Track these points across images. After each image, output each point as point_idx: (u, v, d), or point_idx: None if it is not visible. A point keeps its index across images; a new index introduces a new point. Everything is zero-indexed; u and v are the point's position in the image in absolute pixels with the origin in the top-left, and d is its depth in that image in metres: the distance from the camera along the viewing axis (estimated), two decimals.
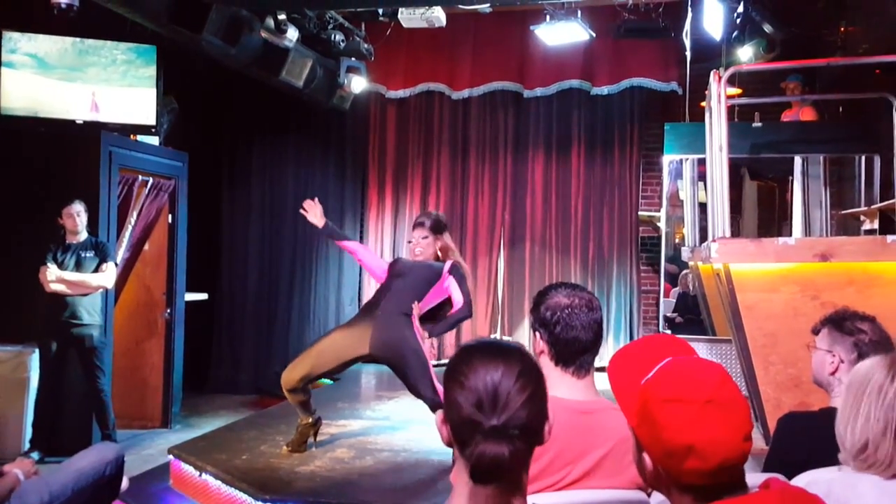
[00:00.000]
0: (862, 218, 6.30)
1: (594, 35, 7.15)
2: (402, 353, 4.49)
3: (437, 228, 4.80)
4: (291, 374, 4.52)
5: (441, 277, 4.71)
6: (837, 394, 2.46)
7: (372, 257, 5.24)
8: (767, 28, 6.73)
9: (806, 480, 1.92)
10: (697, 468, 1.32)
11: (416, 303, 4.60)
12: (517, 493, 1.32)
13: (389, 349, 4.52)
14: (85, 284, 5.70)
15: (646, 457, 1.40)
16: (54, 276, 5.61)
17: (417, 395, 4.52)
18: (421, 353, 4.53)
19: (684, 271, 7.92)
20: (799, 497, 1.39)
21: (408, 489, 4.15)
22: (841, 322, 2.56)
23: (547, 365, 2.18)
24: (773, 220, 8.43)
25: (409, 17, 6.68)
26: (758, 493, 1.37)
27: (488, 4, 5.99)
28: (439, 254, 4.81)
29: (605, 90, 8.30)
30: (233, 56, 6.14)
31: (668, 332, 7.65)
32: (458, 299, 4.73)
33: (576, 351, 2.16)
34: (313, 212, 4.77)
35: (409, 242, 4.84)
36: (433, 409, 4.29)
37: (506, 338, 8.50)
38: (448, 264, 4.77)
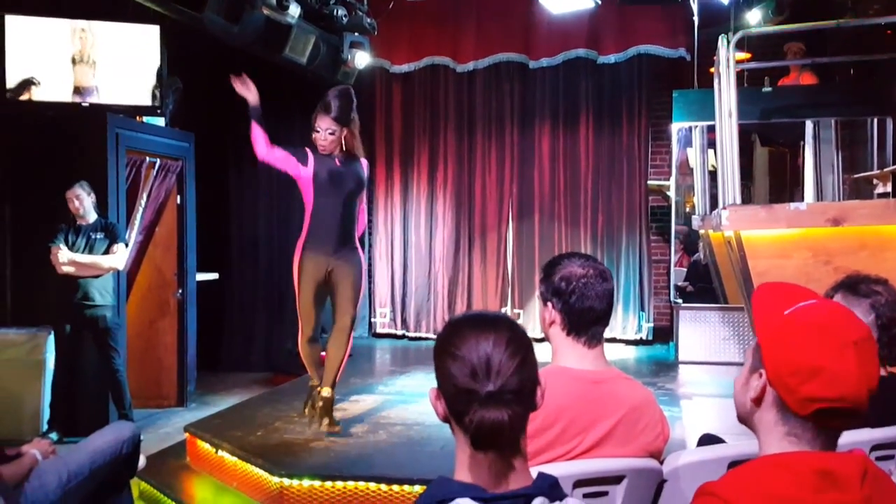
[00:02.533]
0: (875, 181, 6.25)
1: (599, 2, 7.07)
2: (359, 284, 4.65)
3: (345, 119, 4.54)
4: (304, 338, 4.69)
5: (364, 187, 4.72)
6: None
7: (287, 161, 4.57)
8: None
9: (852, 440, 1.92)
10: (815, 394, 1.34)
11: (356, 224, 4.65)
12: (517, 456, 1.35)
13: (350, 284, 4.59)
14: (96, 266, 5.74)
15: (755, 377, 1.41)
16: (66, 259, 5.65)
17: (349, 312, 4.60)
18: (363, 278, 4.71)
19: (697, 239, 7.90)
20: (879, 475, 1.39)
21: (421, 462, 4.17)
22: (855, 286, 2.55)
23: (558, 335, 2.19)
24: (784, 186, 8.37)
25: None
26: (843, 453, 1.38)
27: None
28: (344, 145, 4.58)
29: (611, 59, 8.21)
30: (235, 34, 6.10)
31: (680, 301, 7.65)
32: (363, 220, 4.85)
33: (589, 321, 2.16)
34: (246, 86, 4.74)
35: (316, 133, 4.52)
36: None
37: (516, 311, 8.52)
38: (365, 166, 4.69)
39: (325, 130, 4.45)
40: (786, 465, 1.35)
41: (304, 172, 4.47)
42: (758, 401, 1.42)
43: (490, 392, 1.30)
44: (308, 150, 4.50)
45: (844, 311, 1.43)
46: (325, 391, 4.50)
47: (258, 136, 4.54)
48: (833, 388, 1.34)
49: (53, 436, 5.50)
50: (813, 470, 1.33)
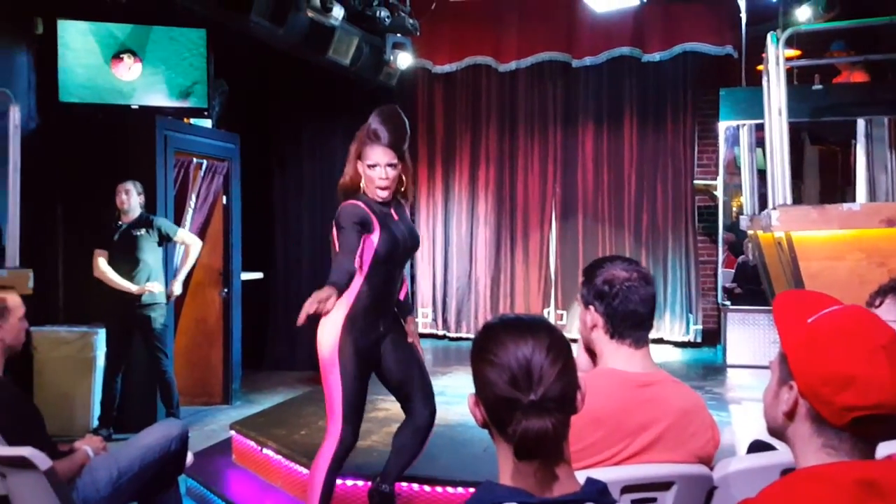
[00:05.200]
0: None
1: (646, 0, 7.01)
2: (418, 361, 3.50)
3: (403, 147, 3.31)
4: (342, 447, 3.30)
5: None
6: None
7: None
8: None
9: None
10: (851, 403, 1.31)
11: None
12: (561, 463, 1.32)
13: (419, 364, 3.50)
14: (189, 257, 6.06)
15: (785, 390, 1.39)
16: (105, 261, 5.77)
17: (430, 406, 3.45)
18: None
19: (745, 240, 7.79)
20: None
21: (464, 463, 4.17)
22: None
23: (601, 339, 2.17)
24: (835, 186, 8.20)
25: None
26: (884, 461, 1.36)
27: None
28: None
29: (656, 57, 8.13)
30: (280, 37, 6.17)
31: (728, 303, 7.55)
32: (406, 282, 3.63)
33: (633, 325, 2.13)
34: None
35: (371, 167, 3.20)
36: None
37: (559, 311, 8.48)
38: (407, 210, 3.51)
39: (384, 166, 3.19)
40: (825, 478, 1.32)
41: (372, 237, 3.20)
42: (790, 414, 1.38)
43: (532, 401, 1.28)
44: (359, 203, 3.19)
45: (869, 316, 1.40)
46: (386, 487, 3.45)
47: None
48: (868, 396, 1.31)
49: (104, 432, 5.57)
50: (854, 480, 1.30)
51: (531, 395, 1.28)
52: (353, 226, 3.11)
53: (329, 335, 3.19)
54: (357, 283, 3.20)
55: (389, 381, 3.42)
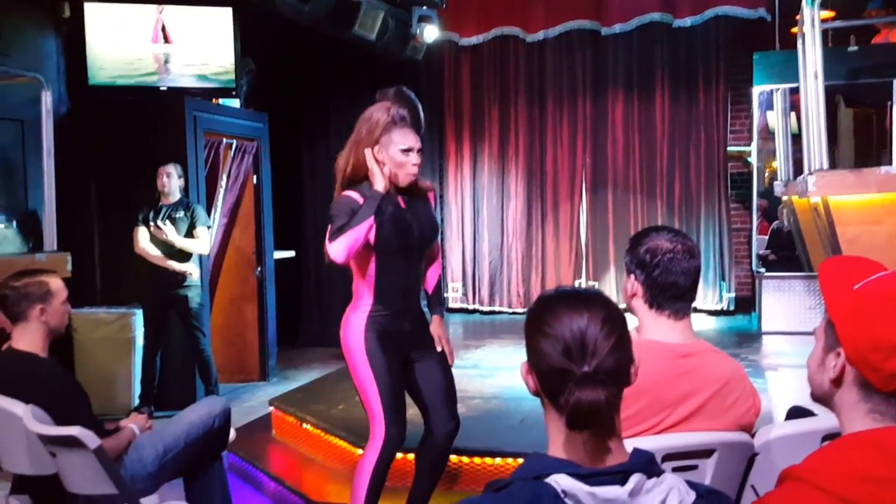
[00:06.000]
0: None
1: None
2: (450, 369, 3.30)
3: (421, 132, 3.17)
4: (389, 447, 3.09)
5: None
6: None
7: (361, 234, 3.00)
8: None
9: None
10: None
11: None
12: (612, 436, 1.32)
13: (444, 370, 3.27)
14: (187, 249, 5.83)
15: (832, 357, 1.38)
16: (147, 239, 5.78)
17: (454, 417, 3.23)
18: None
19: (779, 206, 7.72)
20: None
21: (501, 434, 4.22)
22: None
23: (641, 308, 2.17)
24: (871, 149, 8.08)
25: None
26: None
27: None
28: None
29: (688, 21, 8.01)
30: (306, 13, 6.17)
31: (762, 270, 7.50)
32: (436, 271, 3.42)
33: (672, 296, 2.13)
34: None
35: (405, 152, 3.05)
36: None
37: (590, 283, 8.47)
38: (433, 198, 3.34)
39: (416, 151, 3.07)
40: (874, 443, 1.32)
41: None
42: (837, 381, 1.38)
43: (586, 373, 1.28)
44: (354, 194, 3.05)
45: None
46: None
47: (359, 240, 2.97)
48: None
49: (146, 410, 5.65)
50: None
51: (584, 367, 1.28)
52: (346, 216, 2.97)
53: (354, 338, 3.09)
54: (369, 285, 3.10)
55: (412, 393, 3.21)
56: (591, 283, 8.50)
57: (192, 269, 5.89)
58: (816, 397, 1.45)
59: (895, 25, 6.77)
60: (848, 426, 1.39)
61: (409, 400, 3.18)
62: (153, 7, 6.42)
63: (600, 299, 1.37)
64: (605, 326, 1.31)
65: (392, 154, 3.05)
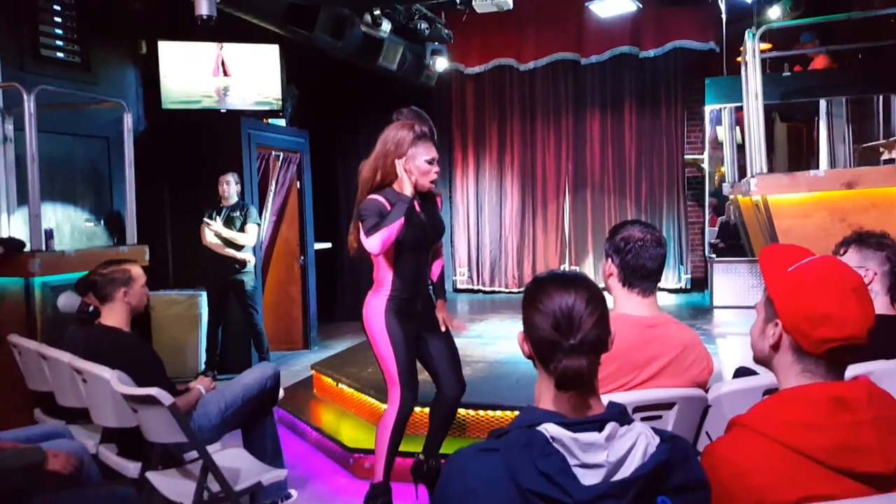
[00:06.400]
0: (881, 149, 6.00)
1: (640, 5, 6.86)
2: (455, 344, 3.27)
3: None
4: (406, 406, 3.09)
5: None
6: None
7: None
8: None
9: (866, 370, 1.87)
10: (827, 336, 1.32)
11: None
12: (592, 394, 1.32)
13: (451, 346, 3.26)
14: (234, 240, 5.83)
15: (771, 327, 1.39)
16: (212, 233, 5.81)
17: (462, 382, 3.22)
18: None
19: (726, 203, 7.68)
20: (884, 397, 1.35)
21: (501, 392, 4.22)
22: (866, 240, 2.44)
23: (615, 286, 2.17)
24: (801, 157, 8.01)
25: (482, 3, 6.52)
26: (851, 381, 1.36)
27: None
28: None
29: (651, 53, 7.98)
30: (339, 48, 6.16)
31: (713, 256, 7.46)
32: (440, 262, 3.35)
33: (641, 277, 2.12)
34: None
35: (428, 163, 3.01)
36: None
37: (573, 267, 8.45)
38: (440, 202, 3.25)
39: (435, 163, 3.05)
40: (804, 396, 1.33)
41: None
42: (776, 346, 1.39)
43: (572, 344, 1.28)
44: (380, 198, 2.97)
45: (839, 264, 1.39)
46: (433, 462, 3.24)
47: (392, 236, 2.90)
48: (842, 330, 1.31)
49: (210, 374, 5.68)
50: (827, 397, 1.31)
51: (571, 340, 1.28)
52: (377, 216, 2.90)
53: (375, 315, 3.03)
54: (389, 273, 3.04)
55: (424, 363, 3.20)
56: (573, 267, 8.48)
57: (249, 258, 5.92)
58: (758, 360, 1.45)
59: (819, 53, 6.70)
60: (784, 383, 1.40)
61: (419, 366, 3.16)
62: (214, 45, 6.42)
63: (585, 281, 1.35)
64: (589, 305, 1.31)
65: (418, 164, 3.00)
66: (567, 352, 1.28)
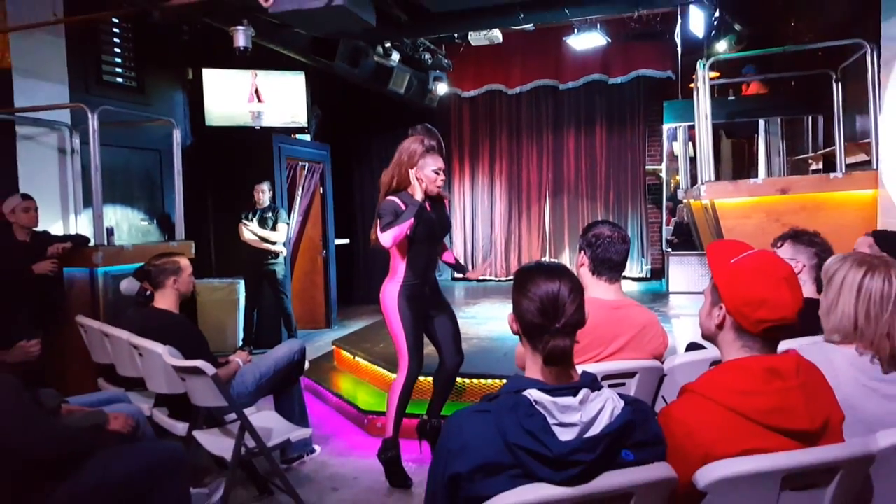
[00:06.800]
0: (810, 161, 6.00)
1: (610, 40, 6.85)
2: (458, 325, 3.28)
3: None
4: (412, 375, 3.12)
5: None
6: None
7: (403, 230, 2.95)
8: (737, 27, 6.31)
9: (789, 345, 1.86)
10: (764, 317, 1.32)
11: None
12: (571, 367, 1.33)
13: (454, 325, 3.25)
14: (267, 239, 5.83)
15: (716, 309, 1.38)
16: (249, 232, 5.81)
17: (461, 354, 3.22)
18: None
19: (679, 206, 7.68)
20: (809, 366, 1.36)
21: (492, 363, 4.22)
22: (800, 237, 2.44)
23: (586, 274, 2.17)
24: (743, 167, 8.00)
25: (476, 38, 6.53)
26: (782, 354, 1.36)
27: (532, 24, 5.78)
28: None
29: (618, 80, 7.95)
30: (356, 74, 6.14)
31: (669, 250, 7.46)
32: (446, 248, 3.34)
33: (608, 267, 2.13)
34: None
35: (436, 172, 3.02)
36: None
37: (552, 259, 8.44)
38: (448, 204, 3.25)
39: (441, 172, 3.04)
40: (743, 367, 1.33)
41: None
42: (720, 326, 1.39)
43: (558, 328, 1.28)
44: (396, 199, 2.99)
45: (774, 256, 1.39)
46: (435, 421, 3.26)
47: (402, 233, 2.93)
48: (776, 312, 1.31)
49: (247, 349, 5.69)
50: (763, 368, 1.31)
51: (557, 324, 1.28)
52: (392, 215, 2.93)
53: (390, 299, 3.05)
54: (402, 263, 3.05)
55: (431, 337, 3.21)
56: (553, 259, 8.47)
57: (280, 249, 5.90)
58: (705, 337, 1.45)
59: (754, 80, 6.69)
60: (727, 356, 1.40)
61: (426, 341, 3.17)
62: (249, 73, 6.40)
63: (567, 273, 1.35)
64: (571, 293, 1.31)
65: (427, 173, 3.01)
66: (554, 334, 1.28)
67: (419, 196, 2.97)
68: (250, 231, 5.79)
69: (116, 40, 5.39)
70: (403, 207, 2.94)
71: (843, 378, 1.49)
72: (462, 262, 8.75)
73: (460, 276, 3.35)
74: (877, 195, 3.97)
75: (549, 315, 1.29)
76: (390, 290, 3.07)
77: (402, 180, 3.03)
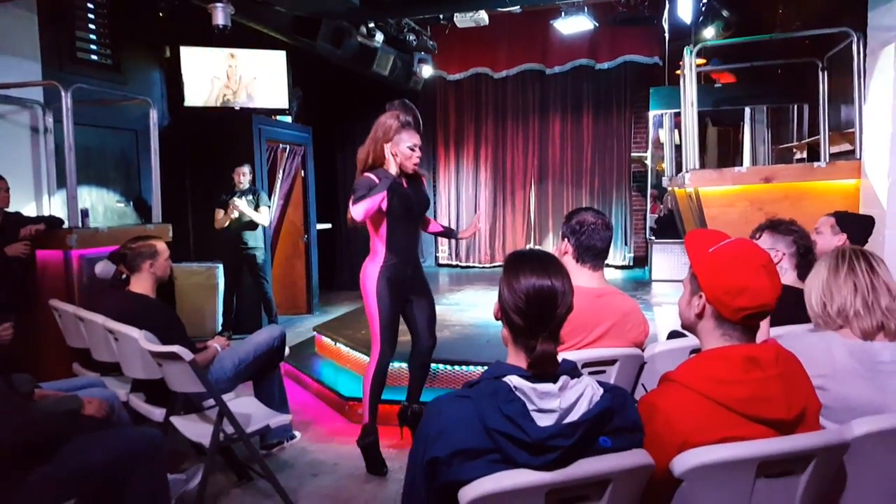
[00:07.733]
0: (794, 150, 6.05)
1: (597, 24, 6.82)
2: (435, 309, 3.29)
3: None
4: (384, 360, 3.11)
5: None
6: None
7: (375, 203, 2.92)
8: (725, 13, 6.32)
9: (777, 333, 1.89)
10: (743, 305, 1.33)
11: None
12: (553, 360, 1.32)
13: (431, 309, 3.27)
14: (252, 217, 5.75)
15: (696, 298, 1.39)
16: (231, 210, 5.64)
17: (434, 336, 3.24)
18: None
19: (667, 193, 7.73)
20: (788, 356, 1.37)
21: (474, 350, 4.24)
22: (777, 226, 2.48)
23: (570, 262, 2.17)
24: (728, 155, 8.07)
25: (462, 19, 6.46)
26: (761, 343, 1.37)
27: (519, 6, 5.75)
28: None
29: (605, 65, 7.96)
30: (338, 55, 6.07)
31: (653, 237, 7.52)
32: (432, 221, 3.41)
33: (592, 254, 2.13)
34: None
35: (411, 148, 2.98)
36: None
37: (536, 246, 8.47)
38: (425, 181, 3.22)
39: (417, 148, 3.00)
40: (723, 356, 1.34)
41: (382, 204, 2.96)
42: (700, 314, 1.39)
43: (545, 335, 1.27)
44: (372, 176, 2.97)
45: (751, 244, 1.39)
46: (416, 406, 3.29)
47: (374, 206, 2.90)
48: (755, 300, 1.32)
49: (226, 334, 5.65)
50: (742, 357, 1.32)
51: (545, 331, 1.27)
52: (365, 189, 2.90)
53: (370, 280, 3.03)
54: (382, 244, 3.02)
55: (407, 320, 3.22)
56: (536, 246, 8.50)
57: (264, 222, 5.73)
58: (685, 326, 1.46)
59: (724, 70, 6.73)
60: (706, 345, 1.41)
61: (403, 327, 3.18)
62: (229, 51, 6.29)
63: (555, 262, 1.33)
64: (562, 295, 1.29)
65: (402, 149, 2.99)
66: (545, 339, 1.27)
67: (393, 171, 2.95)
68: (234, 205, 5.64)
69: (91, 16, 5.26)
70: (378, 182, 2.92)
71: (840, 365, 1.52)
72: (447, 251, 8.92)
73: (452, 239, 3.38)
74: (859, 185, 4.03)
75: (537, 320, 1.27)
76: (370, 271, 3.05)
77: (378, 156, 3.00)
